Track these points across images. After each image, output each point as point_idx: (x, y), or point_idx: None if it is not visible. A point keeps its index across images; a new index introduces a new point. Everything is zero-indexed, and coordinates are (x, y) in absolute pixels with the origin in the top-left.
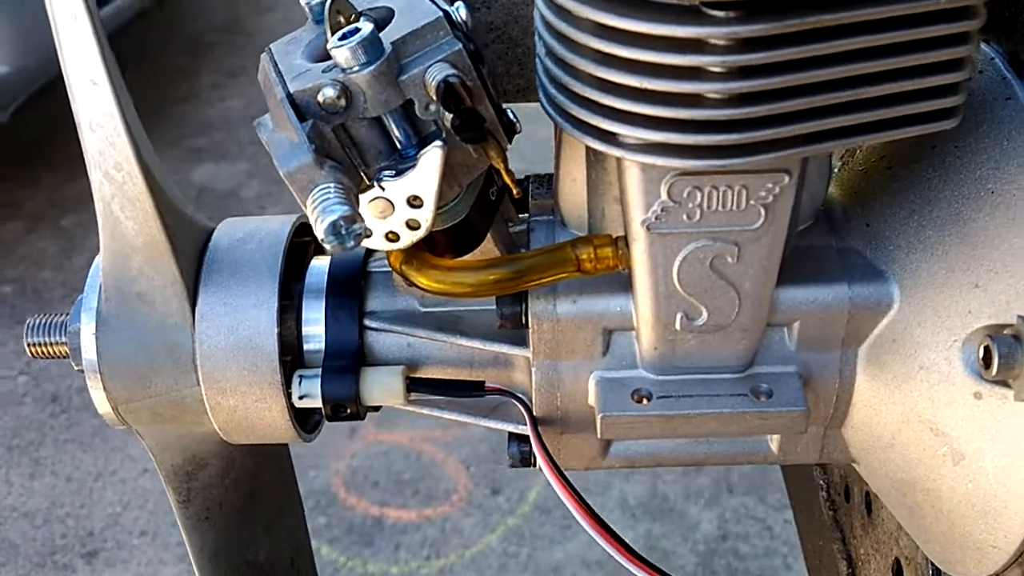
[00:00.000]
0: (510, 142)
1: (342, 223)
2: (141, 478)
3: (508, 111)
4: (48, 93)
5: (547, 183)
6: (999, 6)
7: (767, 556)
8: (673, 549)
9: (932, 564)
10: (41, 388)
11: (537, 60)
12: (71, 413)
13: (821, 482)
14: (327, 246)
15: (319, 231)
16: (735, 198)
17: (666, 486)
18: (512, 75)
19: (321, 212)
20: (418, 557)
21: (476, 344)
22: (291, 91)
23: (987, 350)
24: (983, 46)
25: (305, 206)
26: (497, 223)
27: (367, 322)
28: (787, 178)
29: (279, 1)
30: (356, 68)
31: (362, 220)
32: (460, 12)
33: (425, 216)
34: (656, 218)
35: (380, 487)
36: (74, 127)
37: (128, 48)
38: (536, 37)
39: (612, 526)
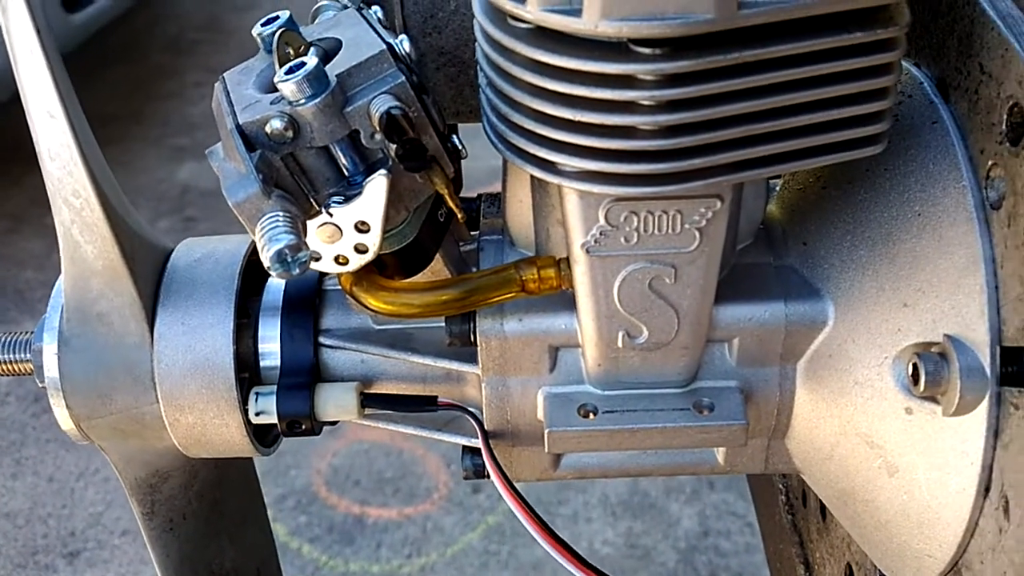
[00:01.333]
0: (455, 167)
1: (287, 251)
2: None
3: (454, 137)
4: None
5: (498, 202)
6: (927, 30)
7: (748, 553)
8: (654, 546)
9: (879, 571)
10: (24, 388)
11: (480, 91)
12: (52, 414)
13: (780, 486)
14: (273, 273)
15: (265, 259)
16: (670, 222)
17: (647, 483)
18: (464, 97)
19: (268, 241)
20: (399, 555)
21: (428, 361)
22: (240, 122)
23: (915, 367)
24: (913, 70)
25: (253, 234)
26: (447, 243)
27: (322, 339)
28: (719, 203)
29: (260, 0)
30: (302, 101)
31: (307, 248)
32: (404, 45)
33: (373, 240)
34: (595, 241)
35: (361, 486)
36: None
37: (111, 47)
38: (478, 69)
39: (561, 535)
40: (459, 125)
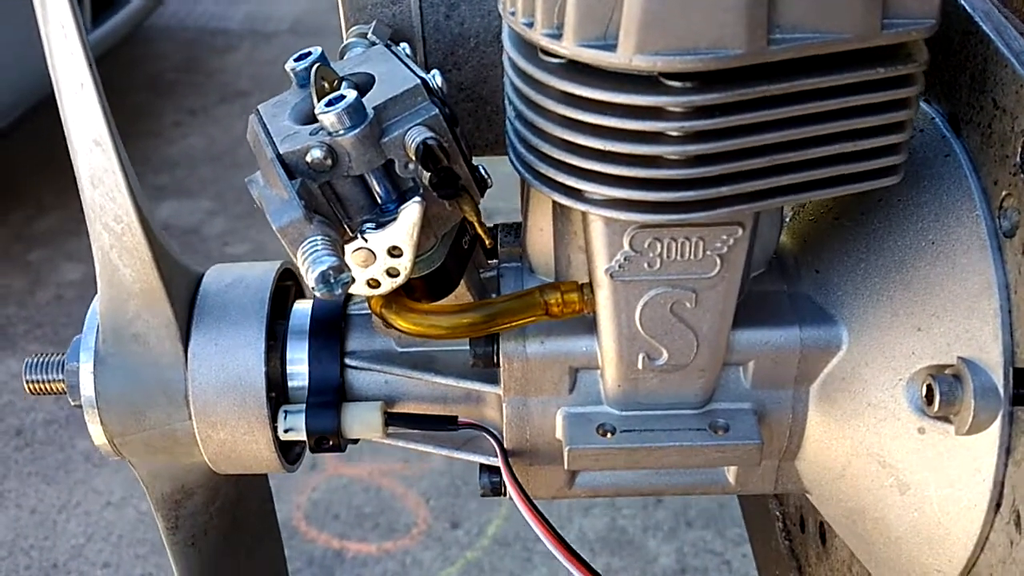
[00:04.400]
0: (482, 196)
1: (331, 273)
2: (105, 511)
3: (480, 167)
4: (14, 131)
5: (515, 231)
6: (939, 70)
7: None
8: None
9: None
10: (5, 422)
11: (507, 122)
12: (35, 447)
13: (777, 513)
14: (317, 293)
15: (309, 280)
16: (692, 249)
17: (625, 520)
18: (482, 130)
19: (312, 263)
20: None
21: (450, 382)
22: (281, 152)
23: (929, 388)
24: (925, 106)
25: (296, 257)
26: (469, 270)
27: (348, 361)
28: (741, 231)
29: (238, 43)
30: (342, 132)
31: (348, 269)
32: (436, 79)
33: (404, 264)
34: (619, 267)
35: (341, 520)
36: (41, 164)
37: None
38: (506, 101)
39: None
40: None
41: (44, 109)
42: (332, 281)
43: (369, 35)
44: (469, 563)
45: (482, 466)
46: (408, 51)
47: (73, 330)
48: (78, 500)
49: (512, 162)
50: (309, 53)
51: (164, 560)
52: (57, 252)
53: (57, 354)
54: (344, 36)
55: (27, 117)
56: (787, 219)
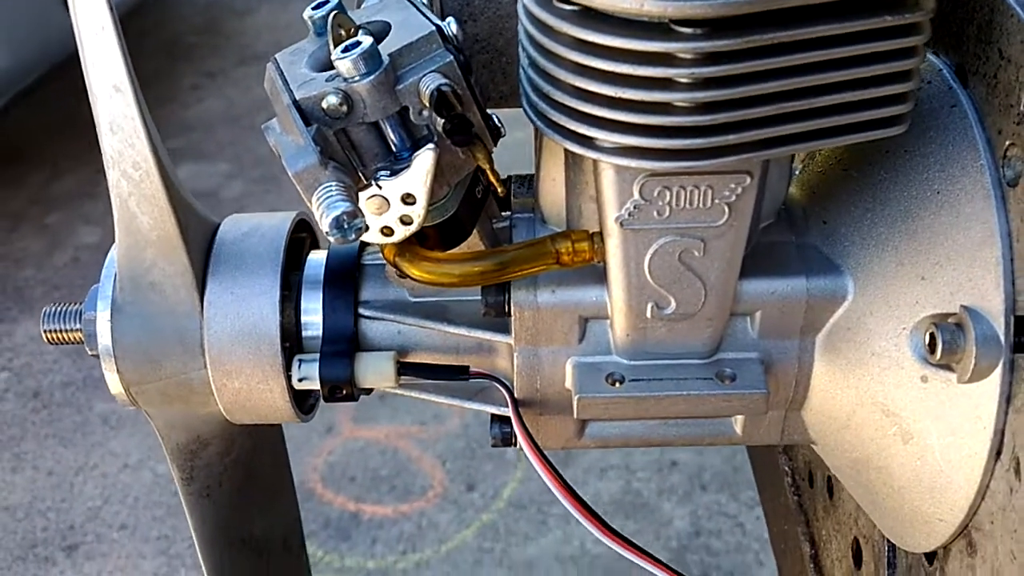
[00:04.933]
0: (495, 144)
1: (345, 218)
2: (121, 473)
3: (494, 116)
4: (30, 94)
5: (527, 183)
6: (946, 20)
7: (739, 552)
8: (646, 545)
9: (888, 542)
10: (23, 384)
11: (520, 70)
12: (52, 409)
13: (786, 468)
14: (331, 239)
15: (324, 225)
16: (701, 197)
17: (640, 483)
18: (496, 83)
19: (326, 208)
20: (394, 552)
21: (462, 331)
22: (297, 98)
23: (932, 337)
24: (932, 57)
25: (310, 203)
26: (482, 219)
27: (361, 311)
28: (749, 179)
29: (257, 5)
30: (357, 78)
31: (362, 216)
32: (451, 27)
33: (417, 212)
34: (629, 215)
35: (357, 482)
36: (57, 127)
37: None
38: (519, 49)
39: (588, 502)
40: None
41: (62, 72)
42: (346, 226)
43: None
44: (484, 525)
45: (493, 416)
46: (425, 0)
47: None
48: (95, 462)
49: (525, 111)
50: (327, 1)
51: (181, 522)
52: (74, 215)
53: (75, 303)
54: None
55: (42, 81)
56: (796, 170)
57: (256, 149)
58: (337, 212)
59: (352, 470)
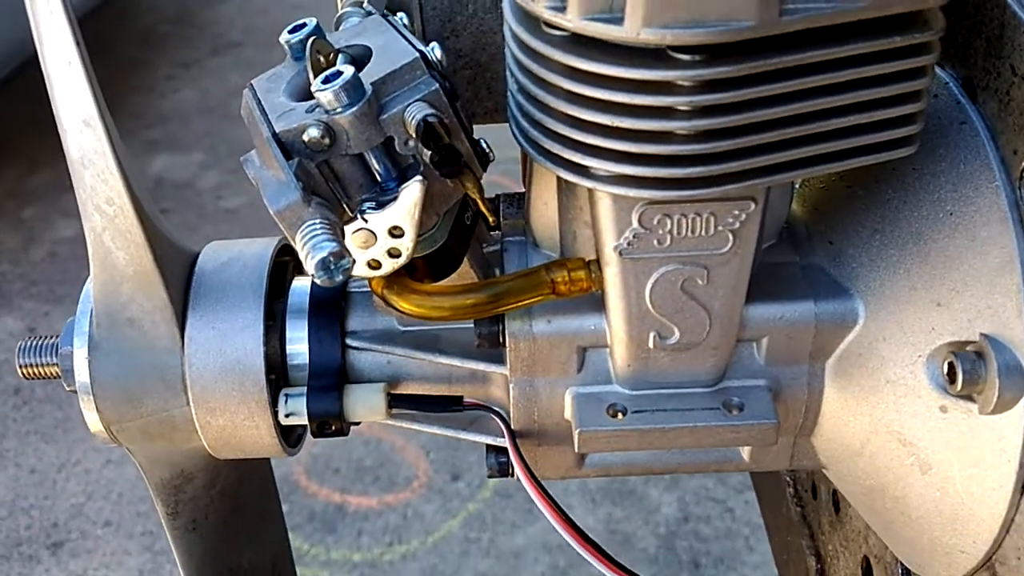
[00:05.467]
0: (484, 171)
1: (331, 259)
2: (105, 469)
3: (481, 141)
4: (6, 86)
5: (517, 201)
6: (953, 33)
7: (729, 538)
8: (634, 532)
9: (901, 564)
10: (3, 381)
11: (509, 94)
12: (33, 405)
13: (788, 479)
14: (317, 280)
15: (309, 267)
16: (704, 224)
17: None
18: (481, 98)
19: (311, 249)
20: (380, 543)
21: (454, 362)
22: (277, 130)
23: (951, 366)
24: (938, 71)
25: (294, 242)
26: (472, 245)
27: (349, 341)
28: (753, 205)
29: None
30: (339, 109)
31: (349, 255)
32: (435, 52)
33: (406, 245)
34: (628, 244)
35: (341, 474)
36: (34, 120)
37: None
38: (508, 73)
39: (589, 535)
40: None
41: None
42: (332, 267)
43: (365, 4)
44: (471, 515)
45: (488, 447)
46: (405, 21)
47: (68, 287)
48: (78, 459)
49: (514, 135)
50: (304, 25)
51: None
52: (51, 209)
53: (50, 337)
54: (339, 5)
55: (18, 74)
56: (796, 185)
57: (231, 138)
58: (323, 254)
59: (336, 462)
